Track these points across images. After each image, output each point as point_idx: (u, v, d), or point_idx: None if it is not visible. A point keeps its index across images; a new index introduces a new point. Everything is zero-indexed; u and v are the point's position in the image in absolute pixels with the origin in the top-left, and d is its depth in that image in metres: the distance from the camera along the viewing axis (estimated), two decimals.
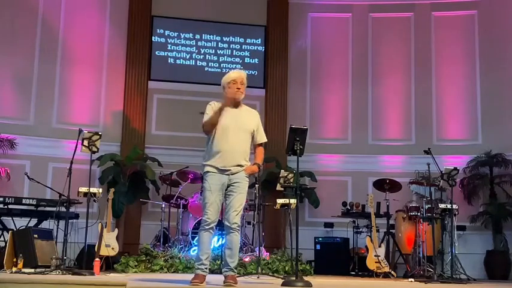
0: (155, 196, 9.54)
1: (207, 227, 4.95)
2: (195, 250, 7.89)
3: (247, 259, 7.67)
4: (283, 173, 7.44)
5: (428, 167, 7.31)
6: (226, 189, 4.97)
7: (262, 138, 5.19)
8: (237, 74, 5.07)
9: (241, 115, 5.08)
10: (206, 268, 5.01)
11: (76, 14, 10.14)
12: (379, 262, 7.80)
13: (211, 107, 5.03)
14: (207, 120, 4.98)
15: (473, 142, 10.12)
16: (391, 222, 8.51)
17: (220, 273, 5.33)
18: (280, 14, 10.87)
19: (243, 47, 10.85)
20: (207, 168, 4.99)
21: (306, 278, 5.48)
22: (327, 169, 10.39)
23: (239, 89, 5.01)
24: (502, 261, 9.34)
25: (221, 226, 8.01)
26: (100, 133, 6.47)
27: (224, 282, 4.91)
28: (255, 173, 5.16)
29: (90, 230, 6.35)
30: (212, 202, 4.92)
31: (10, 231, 6.85)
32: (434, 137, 10.33)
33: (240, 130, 5.02)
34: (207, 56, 10.71)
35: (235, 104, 5.07)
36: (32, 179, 7.26)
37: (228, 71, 5.19)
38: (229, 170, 4.95)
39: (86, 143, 6.34)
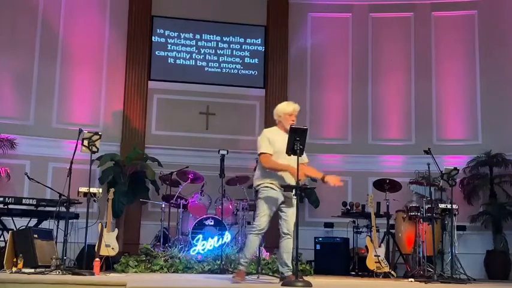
0: (155, 196, 9.52)
1: (258, 233, 5.60)
2: (195, 250, 7.88)
3: None
4: None
5: (428, 167, 7.31)
6: (280, 204, 5.59)
7: (305, 158, 5.77)
8: (293, 107, 5.71)
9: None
10: (248, 264, 5.78)
11: (76, 14, 10.14)
12: (379, 262, 7.79)
13: (267, 140, 5.60)
14: (275, 168, 5.57)
15: (473, 142, 10.11)
16: (391, 222, 8.50)
17: (220, 273, 5.49)
18: (280, 14, 10.86)
19: (243, 47, 10.84)
20: (267, 184, 5.60)
21: (306, 278, 5.49)
22: (327, 169, 10.26)
23: (293, 121, 5.64)
24: (502, 261, 9.33)
25: (221, 227, 8.05)
26: (100, 133, 6.48)
27: (283, 279, 5.42)
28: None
29: (90, 230, 6.35)
30: (266, 213, 5.56)
31: (10, 231, 6.85)
32: (434, 137, 10.32)
33: None
34: (207, 56, 10.70)
35: (286, 130, 5.59)
36: (32, 179, 7.26)
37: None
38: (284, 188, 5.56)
39: (86, 143, 6.34)
